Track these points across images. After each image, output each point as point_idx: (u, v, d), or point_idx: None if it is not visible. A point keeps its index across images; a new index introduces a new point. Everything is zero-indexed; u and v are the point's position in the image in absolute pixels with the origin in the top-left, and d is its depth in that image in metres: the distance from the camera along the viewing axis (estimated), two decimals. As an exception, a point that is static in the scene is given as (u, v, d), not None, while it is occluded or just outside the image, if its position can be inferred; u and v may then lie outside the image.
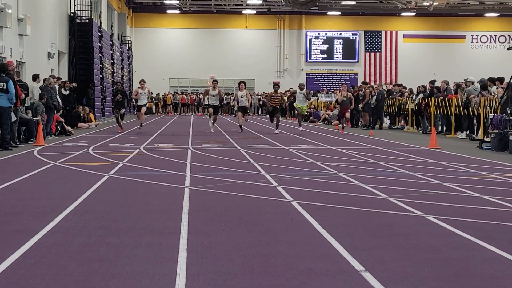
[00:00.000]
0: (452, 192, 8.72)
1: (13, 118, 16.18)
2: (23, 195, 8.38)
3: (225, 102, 49.30)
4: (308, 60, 55.66)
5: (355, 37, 55.66)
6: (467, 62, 53.90)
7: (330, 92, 40.95)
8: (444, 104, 22.34)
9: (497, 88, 19.39)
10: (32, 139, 17.79)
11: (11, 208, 7.40)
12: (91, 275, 4.58)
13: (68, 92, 24.59)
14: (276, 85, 24.76)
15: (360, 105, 28.01)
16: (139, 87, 23.51)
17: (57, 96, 21.33)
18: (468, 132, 20.66)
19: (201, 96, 50.81)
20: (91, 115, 28.24)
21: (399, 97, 27.96)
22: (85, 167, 11.50)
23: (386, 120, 29.90)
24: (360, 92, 28.74)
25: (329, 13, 52.58)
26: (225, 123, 32.29)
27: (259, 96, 49.72)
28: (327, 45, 55.74)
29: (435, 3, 41.80)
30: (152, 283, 4.40)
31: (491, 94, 19.21)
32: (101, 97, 34.34)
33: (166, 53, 54.05)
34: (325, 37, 55.67)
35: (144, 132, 23.38)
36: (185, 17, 53.85)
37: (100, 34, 34.39)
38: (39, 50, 24.95)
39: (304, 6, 42.26)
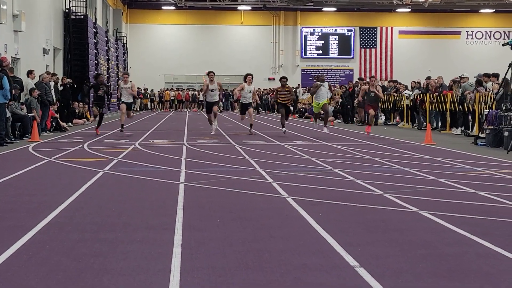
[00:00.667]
0: (447, 188, 8.73)
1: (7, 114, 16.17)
2: (17, 191, 8.36)
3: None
4: (304, 56, 55.60)
5: (351, 33, 55.61)
6: (462, 58, 53.91)
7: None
8: (439, 100, 22.36)
9: (492, 84, 19.42)
10: (27, 135, 17.76)
11: (6, 204, 7.38)
12: (85, 271, 4.57)
13: (62, 88, 24.51)
14: (283, 78, 20.55)
15: (355, 101, 27.99)
16: (121, 81, 20.18)
17: (52, 92, 21.27)
18: (463, 128, 20.69)
19: (197, 92, 50.84)
20: (87, 112, 28.18)
21: (393, 93, 27.97)
22: (80, 163, 11.48)
23: (381, 116, 29.90)
24: (355, 88, 28.75)
25: (324, 9, 52.53)
26: (223, 119, 32.20)
27: (258, 93, 49.59)
28: (322, 41, 55.68)
29: (430, -1, 41.85)
30: (147, 278, 4.40)
31: (486, 90, 19.24)
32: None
33: (162, 49, 53.96)
34: (320, 33, 55.62)
35: (140, 128, 23.30)
36: (180, 13, 53.74)
37: (95, 30, 34.33)
38: (34, 46, 24.90)
39: (299, 2, 42.26)
